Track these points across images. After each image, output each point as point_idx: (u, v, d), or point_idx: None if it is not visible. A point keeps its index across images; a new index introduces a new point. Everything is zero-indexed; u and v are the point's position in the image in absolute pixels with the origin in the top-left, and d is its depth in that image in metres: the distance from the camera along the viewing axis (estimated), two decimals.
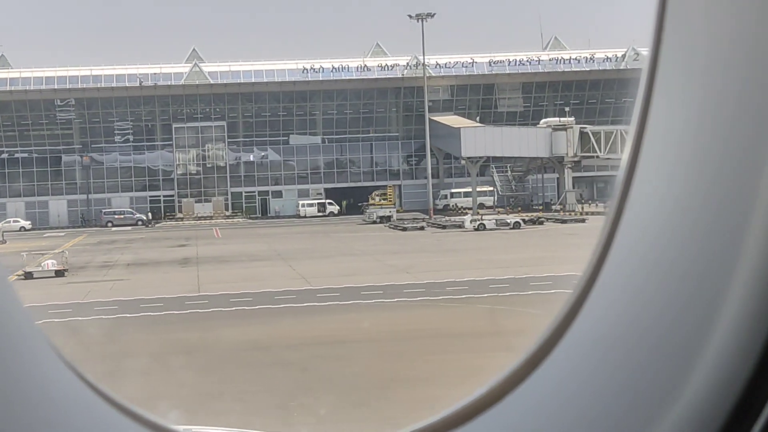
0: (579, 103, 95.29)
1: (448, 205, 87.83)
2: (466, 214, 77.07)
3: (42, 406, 1.78)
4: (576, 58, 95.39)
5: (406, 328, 26.10)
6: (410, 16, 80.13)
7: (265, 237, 66.76)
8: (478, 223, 64.06)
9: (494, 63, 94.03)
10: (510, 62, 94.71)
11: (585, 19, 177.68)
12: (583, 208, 79.00)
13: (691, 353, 1.62)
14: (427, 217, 78.91)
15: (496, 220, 65.89)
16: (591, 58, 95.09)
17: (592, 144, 77.53)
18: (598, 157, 78.14)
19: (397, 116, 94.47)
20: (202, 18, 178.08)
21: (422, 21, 79.79)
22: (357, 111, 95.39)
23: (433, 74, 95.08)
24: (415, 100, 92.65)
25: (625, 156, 1.92)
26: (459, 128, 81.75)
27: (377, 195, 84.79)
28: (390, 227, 70.29)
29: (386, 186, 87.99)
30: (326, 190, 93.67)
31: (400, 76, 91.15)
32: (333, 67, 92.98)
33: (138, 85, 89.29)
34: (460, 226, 65.27)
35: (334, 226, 75.61)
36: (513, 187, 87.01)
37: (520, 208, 79.92)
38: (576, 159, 79.14)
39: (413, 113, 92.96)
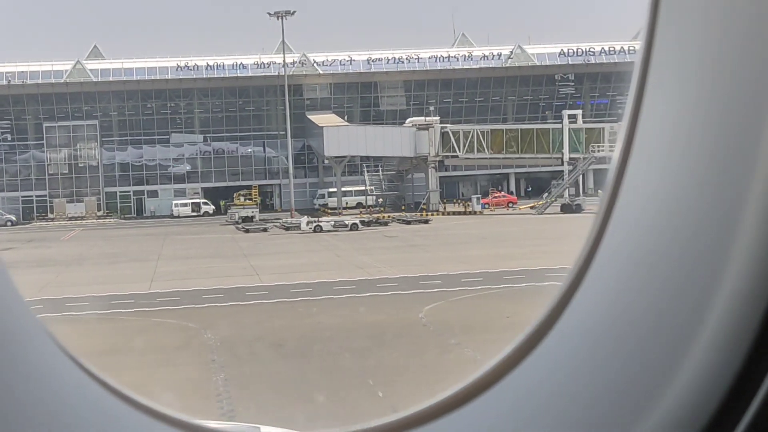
0: (462, 101, 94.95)
1: (326, 204, 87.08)
2: (340, 214, 76.72)
3: (43, 396, 1.80)
4: (455, 56, 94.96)
5: None
6: (269, 14, 79.15)
7: (105, 239, 65.94)
8: (314, 225, 63.39)
9: (372, 61, 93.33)
10: (389, 60, 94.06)
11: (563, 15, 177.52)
12: (445, 207, 78.65)
13: (680, 346, 1.63)
14: (289, 217, 78.07)
15: (335, 221, 65.27)
16: (469, 56, 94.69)
17: (452, 143, 77.09)
18: (457, 156, 77.72)
19: (276, 115, 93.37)
20: (117, 12, 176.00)
21: (282, 19, 78.74)
22: (239, 109, 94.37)
23: (322, 72, 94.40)
24: (294, 98, 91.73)
25: (616, 150, 1.90)
26: (322, 127, 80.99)
27: (241, 195, 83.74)
28: (238, 228, 69.44)
29: (251, 186, 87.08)
30: (206, 189, 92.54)
31: (276, 74, 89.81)
32: (208, 65, 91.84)
33: (6, 83, 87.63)
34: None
35: (192, 227, 74.62)
36: (383, 186, 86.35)
37: (382, 209, 79.34)
38: (438, 158, 78.62)
39: (293, 112, 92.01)
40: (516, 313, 26.98)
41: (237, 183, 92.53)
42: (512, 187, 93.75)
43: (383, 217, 71.80)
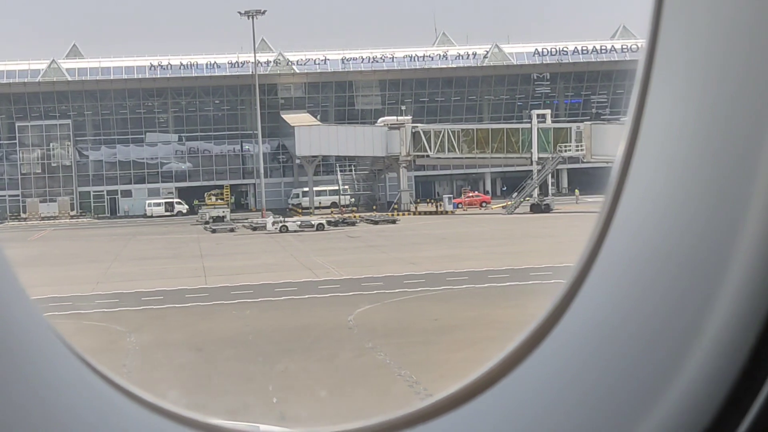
0: (438, 101, 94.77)
1: (300, 204, 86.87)
2: (312, 213, 76.71)
3: (49, 393, 1.81)
4: (430, 56, 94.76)
5: None
6: (240, 13, 78.78)
7: (71, 239, 66.00)
8: (280, 225, 63.19)
9: (348, 60, 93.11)
10: (365, 59, 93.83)
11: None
12: (416, 207, 78.58)
13: (682, 348, 1.63)
14: (260, 217, 77.84)
15: (301, 221, 65.13)
16: (444, 56, 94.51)
17: (423, 143, 76.93)
18: (428, 156, 77.55)
19: (251, 114, 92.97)
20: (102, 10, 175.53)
21: (252, 18, 78.39)
22: (215, 108, 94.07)
23: (298, 71, 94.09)
24: (268, 98, 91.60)
25: (620, 150, 1.89)
26: (294, 127, 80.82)
27: (212, 195, 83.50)
28: (206, 229, 69.17)
29: (223, 186, 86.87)
30: (180, 189, 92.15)
31: (250, 73, 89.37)
32: (182, 64, 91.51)
33: None
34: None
35: (161, 227, 74.33)
36: (356, 186, 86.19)
37: (354, 208, 79.20)
38: (409, 158, 78.43)
39: (267, 111, 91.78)
40: (445, 316, 26.95)
41: (212, 182, 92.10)
42: (488, 187, 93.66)
43: (354, 216, 71.66)
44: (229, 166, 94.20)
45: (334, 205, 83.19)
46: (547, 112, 77.10)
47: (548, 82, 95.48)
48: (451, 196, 79.93)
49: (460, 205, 78.87)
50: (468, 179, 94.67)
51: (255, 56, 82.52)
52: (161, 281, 37.61)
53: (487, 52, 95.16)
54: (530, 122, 73.80)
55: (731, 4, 1.63)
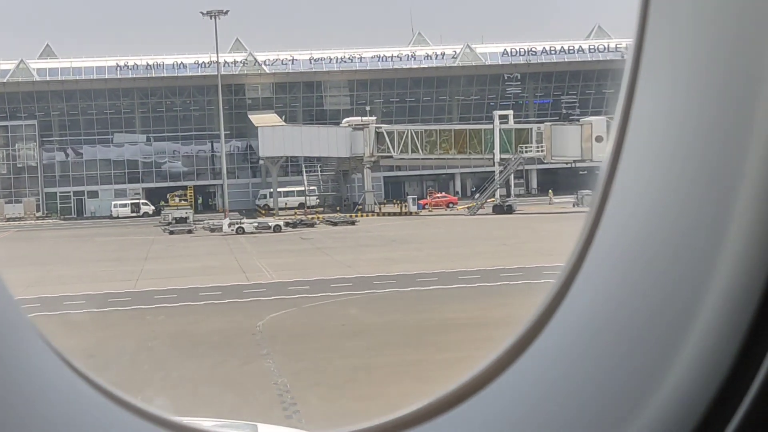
0: (408, 101, 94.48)
1: (267, 204, 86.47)
2: (275, 215, 76.32)
3: (34, 396, 1.80)
4: (398, 56, 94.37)
5: None
6: (202, 14, 78.25)
7: (28, 241, 65.98)
8: (236, 226, 62.79)
9: (316, 60, 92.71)
10: (333, 59, 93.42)
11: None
12: (380, 208, 78.17)
13: (672, 345, 1.65)
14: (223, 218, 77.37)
15: (258, 223, 64.72)
16: (413, 56, 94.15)
17: (387, 144, 76.58)
18: (392, 156, 77.20)
19: (219, 114, 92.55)
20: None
21: (215, 18, 77.83)
22: (182, 108, 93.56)
23: (268, 71, 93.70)
24: (236, 98, 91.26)
25: (608, 148, 1.92)
26: (258, 127, 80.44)
27: (176, 196, 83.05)
28: (164, 230, 68.70)
29: (186, 187, 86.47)
30: (147, 190, 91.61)
31: (215, 73, 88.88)
32: (148, 65, 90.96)
33: None
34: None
35: (123, 228, 73.84)
36: (322, 187, 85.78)
37: (320, 209, 78.85)
38: (373, 159, 78.03)
39: (235, 111, 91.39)
40: (354, 321, 26.63)
41: (179, 183, 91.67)
42: (458, 187, 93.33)
43: (318, 218, 71.32)
44: (196, 167, 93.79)
45: (301, 205, 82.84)
46: (510, 113, 76.72)
47: (519, 83, 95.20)
48: (415, 197, 79.57)
49: (426, 206, 78.52)
50: (438, 180, 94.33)
51: (218, 56, 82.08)
52: (92, 285, 37.16)
53: (455, 52, 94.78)
54: (492, 123, 73.52)
55: (717, 3, 1.63)
